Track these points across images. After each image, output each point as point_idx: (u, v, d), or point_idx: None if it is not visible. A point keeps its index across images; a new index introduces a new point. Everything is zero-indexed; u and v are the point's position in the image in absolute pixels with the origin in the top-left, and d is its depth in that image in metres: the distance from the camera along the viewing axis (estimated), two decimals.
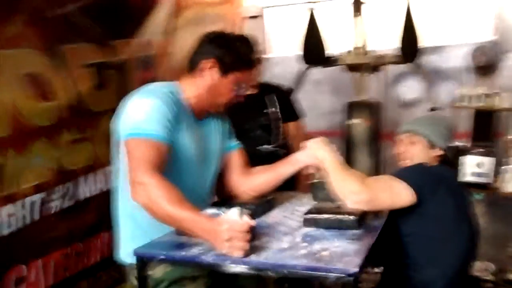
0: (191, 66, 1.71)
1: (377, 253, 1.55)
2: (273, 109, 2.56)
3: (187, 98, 1.68)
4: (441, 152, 1.81)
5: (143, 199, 1.44)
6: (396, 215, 1.72)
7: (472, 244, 1.80)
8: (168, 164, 1.55)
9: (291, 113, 2.65)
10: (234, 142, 1.90)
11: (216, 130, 1.81)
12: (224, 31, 1.74)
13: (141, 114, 1.54)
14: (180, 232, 1.50)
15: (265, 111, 2.55)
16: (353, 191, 1.61)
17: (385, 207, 1.66)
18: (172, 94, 1.64)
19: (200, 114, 1.73)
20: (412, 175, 1.68)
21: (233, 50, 1.67)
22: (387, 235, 1.68)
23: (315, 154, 1.76)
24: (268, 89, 2.61)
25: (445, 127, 1.86)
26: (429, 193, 1.65)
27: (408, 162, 1.83)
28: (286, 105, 2.63)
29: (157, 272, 1.61)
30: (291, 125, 2.64)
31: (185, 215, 1.41)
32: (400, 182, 1.64)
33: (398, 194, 1.63)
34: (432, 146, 1.81)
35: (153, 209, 1.43)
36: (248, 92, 2.40)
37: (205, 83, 1.68)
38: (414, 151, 1.82)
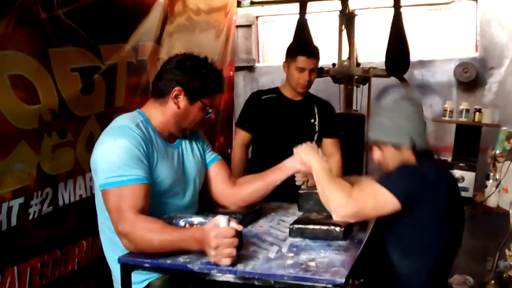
0: (157, 92, 1.68)
1: (360, 265, 1.56)
2: (312, 120, 2.56)
3: (155, 125, 1.67)
4: (409, 149, 1.73)
5: (130, 247, 1.48)
6: (381, 222, 1.72)
7: (456, 243, 1.77)
8: (151, 199, 1.56)
9: (330, 129, 2.60)
10: (213, 155, 1.88)
11: (191, 147, 1.79)
12: (189, 55, 1.71)
13: (113, 160, 1.51)
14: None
15: (311, 121, 2.55)
16: (339, 204, 1.62)
17: (370, 217, 1.68)
18: (141, 125, 1.61)
19: (170, 137, 1.72)
20: (397, 183, 1.64)
21: (201, 77, 1.64)
22: (372, 247, 1.69)
23: (304, 160, 1.76)
24: (312, 100, 2.60)
25: (402, 116, 1.74)
26: (414, 200, 1.63)
27: (390, 169, 1.78)
28: (327, 120, 2.59)
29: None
30: (328, 142, 2.58)
31: (174, 237, 1.42)
32: (385, 191, 1.62)
33: (383, 204, 1.62)
34: (397, 147, 1.75)
35: (144, 251, 1.45)
36: (304, 91, 2.50)
37: (172, 111, 1.66)
38: (387, 157, 1.78)
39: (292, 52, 2.50)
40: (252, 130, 2.54)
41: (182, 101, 1.65)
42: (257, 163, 2.58)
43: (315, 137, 2.56)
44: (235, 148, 2.62)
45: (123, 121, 1.62)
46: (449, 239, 1.73)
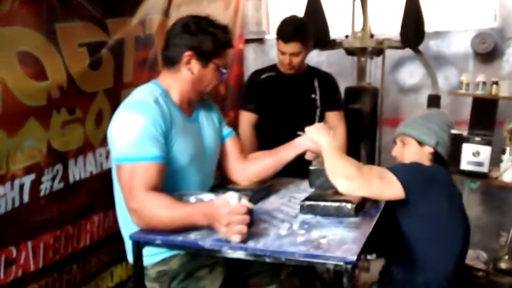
0: (168, 61, 1.65)
1: (372, 240, 1.55)
2: (313, 95, 2.51)
3: (173, 97, 1.64)
4: (431, 150, 1.81)
5: (141, 225, 1.47)
6: (392, 213, 1.72)
7: (466, 244, 1.81)
8: (170, 174, 1.55)
9: (332, 102, 2.56)
10: (228, 130, 1.88)
11: (208, 121, 1.78)
12: (191, 16, 1.66)
13: (130, 136, 1.50)
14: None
15: (312, 96, 2.50)
16: (347, 175, 1.63)
17: (373, 194, 1.66)
18: (160, 100, 1.59)
19: (188, 110, 1.70)
20: (404, 172, 1.70)
21: (209, 36, 1.61)
22: (384, 223, 1.67)
23: (314, 138, 1.78)
24: (312, 73, 2.54)
25: (436, 123, 1.84)
26: (419, 192, 1.66)
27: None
28: (329, 93, 2.54)
29: (172, 264, 1.60)
30: (332, 115, 2.56)
31: (183, 212, 1.42)
32: (392, 175, 1.66)
33: (387, 186, 1.64)
34: (421, 144, 1.83)
35: (154, 227, 1.45)
36: (291, 72, 2.44)
37: (186, 78, 1.63)
38: (406, 152, 1.86)
39: (276, 33, 2.43)
40: (257, 111, 2.51)
41: (195, 65, 1.61)
42: (264, 143, 2.56)
43: (318, 112, 2.52)
44: (241, 130, 2.55)
45: (142, 96, 1.59)
46: (458, 245, 1.74)
